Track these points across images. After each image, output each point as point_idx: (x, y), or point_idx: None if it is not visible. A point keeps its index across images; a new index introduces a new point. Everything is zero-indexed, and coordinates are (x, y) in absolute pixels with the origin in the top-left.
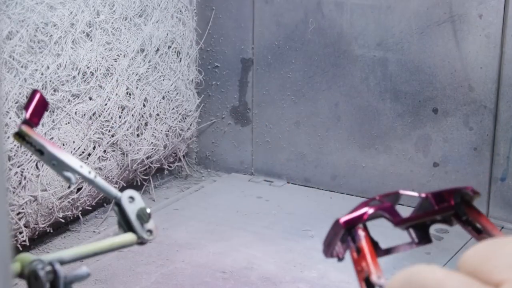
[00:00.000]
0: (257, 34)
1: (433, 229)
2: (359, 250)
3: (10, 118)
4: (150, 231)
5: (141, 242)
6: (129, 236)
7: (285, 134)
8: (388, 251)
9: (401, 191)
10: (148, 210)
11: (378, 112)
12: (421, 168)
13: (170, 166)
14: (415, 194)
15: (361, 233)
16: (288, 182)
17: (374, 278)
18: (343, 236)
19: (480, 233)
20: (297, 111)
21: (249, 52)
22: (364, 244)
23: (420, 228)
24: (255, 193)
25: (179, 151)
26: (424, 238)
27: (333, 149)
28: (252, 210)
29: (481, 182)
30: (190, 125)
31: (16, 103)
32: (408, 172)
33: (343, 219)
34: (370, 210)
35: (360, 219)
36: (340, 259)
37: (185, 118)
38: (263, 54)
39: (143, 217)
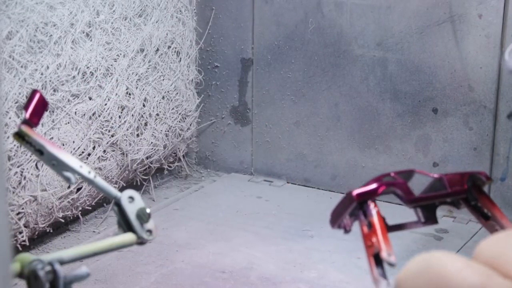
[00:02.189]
0: (257, 34)
1: (433, 229)
2: (370, 225)
3: (10, 118)
4: (149, 231)
5: (140, 242)
6: (129, 236)
7: (285, 134)
8: (395, 228)
9: (416, 170)
10: (148, 210)
11: (378, 112)
12: (421, 168)
13: (170, 166)
14: (428, 174)
15: (373, 208)
16: (288, 182)
17: (384, 254)
18: (354, 209)
19: (487, 220)
20: (297, 111)
21: (249, 52)
22: (376, 219)
23: (427, 208)
24: (255, 193)
25: (179, 151)
26: (430, 218)
27: (333, 149)
28: (252, 210)
29: None
30: (190, 125)
31: (16, 103)
32: None
33: (356, 192)
34: (383, 185)
35: (373, 194)
36: (347, 231)
37: (185, 118)
38: (263, 54)
39: (142, 217)
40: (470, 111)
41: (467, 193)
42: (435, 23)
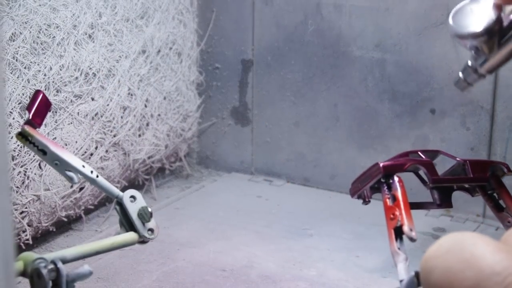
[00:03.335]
0: (257, 35)
1: (431, 228)
2: (394, 199)
3: (13, 118)
4: (151, 230)
5: (142, 241)
6: (131, 235)
7: (284, 134)
8: (414, 206)
9: (441, 151)
10: (150, 209)
11: (377, 113)
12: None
13: (171, 166)
14: (453, 157)
15: (398, 182)
16: (287, 182)
17: (406, 229)
18: (377, 181)
19: (500, 211)
20: (296, 112)
21: (249, 53)
22: (400, 193)
23: (444, 191)
24: (255, 192)
25: (180, 151)
26: (445, 201)
27: (332, 149)
28: (252, 209)
29: None
30: (191, 125)
31: (19, 103)
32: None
33: (383, 164)
34: (411, 162)
35: (400, 168)
36: (366, 202)
37: (186, 119)
38: (263, 55)
39: (144, 216)
40: (467, 112)
41: (487, 181)
42: (433, 25)
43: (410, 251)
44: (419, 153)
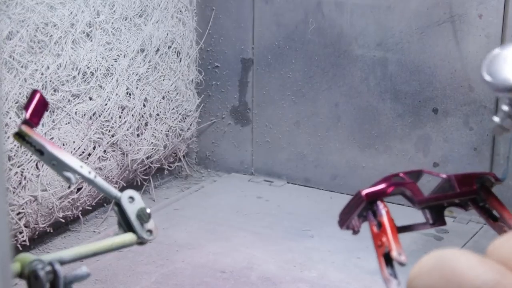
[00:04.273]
0: (257, 34)
1: (433, 229)
2: (380, 225)
3: (10, 118)
4: (150, 231)
5: (141, 242)
6: (129, 236)
7: (285, 134)
8: (403, 229)
9: (424, 170)
10: (148, 210)
11: (378, 112)
12: (421, 168)
13: (170, 166)
14: (437, 174)
15: (383, 207)
16: (288, 182)
17: (394, 254)
18: (363, 209)
19: (495, 221)
20: (297, 111)
21: (249, 52)
22: (385, 219)
23: (435, 209)
24: (255, 193)
25: (179, 151)
26: (438, 219)
27: (333, 149)
28: (252, 210)
29: None
30: (190, 125)
31: (16, 103)
32: None
33: (365, 191)
34: (393, 186)
35: (383, 194)
36: (355, 232)
37: (185, 118)
38: (263, 54)
39: (143, 217)
40: (470, 111)
41: (476, 194)
42: (435, 23)
43: (412, 253)
44: (401, 175)
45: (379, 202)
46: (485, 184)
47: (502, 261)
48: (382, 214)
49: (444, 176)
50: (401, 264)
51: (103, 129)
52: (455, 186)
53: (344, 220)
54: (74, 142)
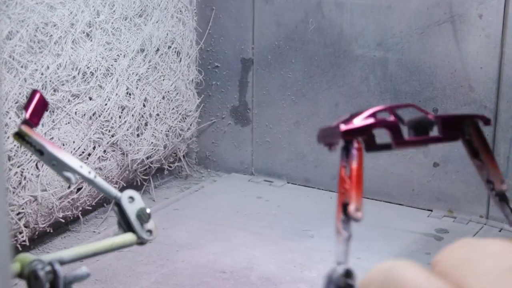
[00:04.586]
0: (257, 34)
1: (434, 230)
2: (350, 170)
3: (10, 118)
4: (150, 231)
5: (141, 242)
6: (129, 236)
7: (285, 134)
8: (382, 147)
9: (415, 105)
10: (148, 210)
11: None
12: (421, 168)
13: (170, 166)
14: (426, 112)
15: (355, 151)
16: (288, 182)
17: (351, 208)
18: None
19: (476, 157)
20: (297, 111)
21: (249, 52)
22: (355, 164)
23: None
24: (255, 193)
25: (179, 151)
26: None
27: None
28: (252, 210)
29: (481, 182)
30: (190, 125)
31: (16, 103)
32: (409, 172)
33: (344, 128)
34: (375, 124)
35: (360, 132)
36: (331, 150)
37: (185, 118)
38: (263, 54)
39: (143, 217)
40: (470, 111)
41: (459, 139)
42: (435, 23)
43: (411, 253)
44: (389, 110)
45: (354, 142)
46: (475, 122)
47: (445, 274)
48: (353, 159)
49: (431, 117)
50: (356, 220)
51: (103, 129)
52: (440, 130)
53: (322, 139)
54: (74, 142)
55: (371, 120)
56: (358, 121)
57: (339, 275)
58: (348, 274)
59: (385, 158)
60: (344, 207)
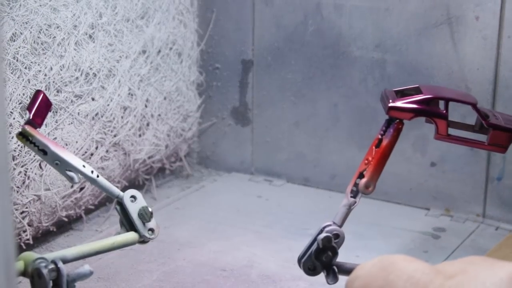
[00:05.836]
0: (257, 35)
1: (431, 228)
2: (380, 144)
3: (14, 118)
4: (151, 230)
5: (143, 240)
6: (131, 235)
7: (284, 134)
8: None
9: (475, 105)
10: (150, 209)
11: (377, 113)
12: (419, 168)
13: (171, 166)
14: (482, 118)
15: (393, 132)
16: (287, 182)
17: (362, 182)
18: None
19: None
20: (296, 112)
21: (249, 54)
22: (385, 143)
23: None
24: (255, 192)
25: (180, 151)
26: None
27: (332, 149)
28: (252, 209)
29: (478, 182)
30: (191, 125)
31: (20, 103)
32: (406, 171)
33: (392, 104)
34: (422, 113)
35: (405, 115)
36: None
37: (186, 119)
38: (263, 56)
39: (144, 216)
40: (467, 112)
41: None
42: (432, 25)
43: (409, 251)
44: (443, 98)
45: (397, 122)
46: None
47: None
48: (388, 137)
49: (485, 123)
50: (364, 193)
51: (105, 129)
52: (488, 138)
53: (381, 99)
54: (77, 142)
55: (420, 106)
56: (408, 103)
57: (323, 237)
58: (335, 236)
59: None
60: (360, 176)
